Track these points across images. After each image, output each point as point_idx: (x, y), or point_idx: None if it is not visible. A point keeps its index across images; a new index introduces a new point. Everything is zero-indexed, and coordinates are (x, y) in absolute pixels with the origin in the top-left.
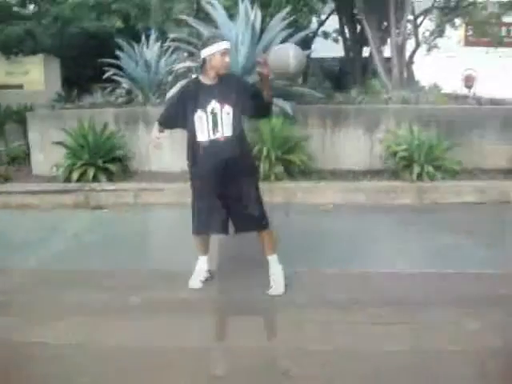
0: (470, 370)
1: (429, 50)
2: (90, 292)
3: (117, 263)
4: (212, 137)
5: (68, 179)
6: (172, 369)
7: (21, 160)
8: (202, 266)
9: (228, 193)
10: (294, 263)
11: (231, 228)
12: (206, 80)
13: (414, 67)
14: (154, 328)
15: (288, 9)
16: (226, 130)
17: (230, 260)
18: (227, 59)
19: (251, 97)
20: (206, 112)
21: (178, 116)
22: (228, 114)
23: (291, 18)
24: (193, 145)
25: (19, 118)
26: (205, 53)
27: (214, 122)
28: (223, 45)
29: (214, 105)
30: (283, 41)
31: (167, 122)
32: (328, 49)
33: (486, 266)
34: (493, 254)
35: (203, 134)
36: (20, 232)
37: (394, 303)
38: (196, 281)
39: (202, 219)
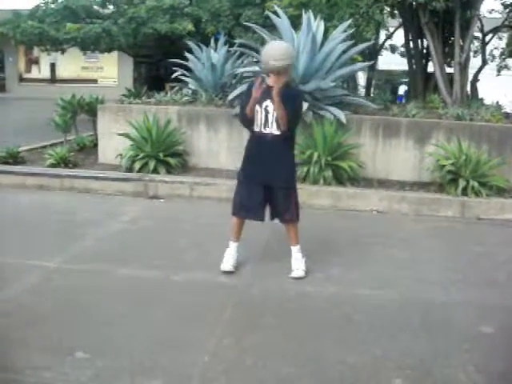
0: None
1: (499, 70)
2: (139, 269)
3: (165, 246)
4: (263, 130)
5: (130, 169)
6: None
7: (89, 149)
8: (232, 252)
9: (269, 184)
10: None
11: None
12: (270, 81)
13: (482, 84)
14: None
15: (350, 21)
16: (274, 129)
17: (258, 247)
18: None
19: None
20: (261, 107)
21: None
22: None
23: (352, 30)
24: (251, 135)
25: (91, 109)
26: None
27: (266, 119)
28: None
29: (268, 103)
30: (343, 52)
31: (244, 119)
32: (397, 62)
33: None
34: None
35: (257, 127)
36: (82, 213)
37: None
38: (227, 264)
39: (242, 203)
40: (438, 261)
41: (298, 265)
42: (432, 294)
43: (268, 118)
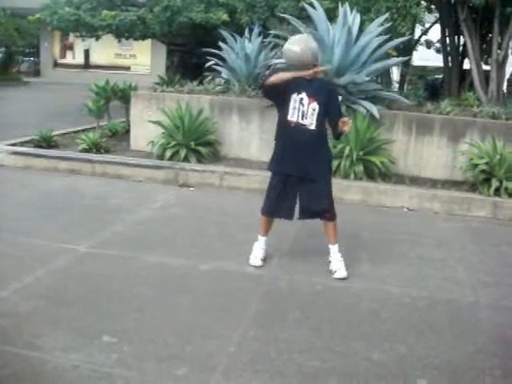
0: None
1: None
2: (167, 256)
3: (194, 235)
4: (300, 121)
5: (161, 156)
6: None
7: (121, 135)
8: (261, 245)
9: (302, 179)
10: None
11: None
12: (302, 73)
13: None
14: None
15: (386, 15)
16: (309, 122)
17: (288, 239)
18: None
19: (334, 112)
20: (297, 98)
21: (281, 91)
22: (314, 110)
23: (388, 25)
24: (284, 124)
25: (124, 96)
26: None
27: (302, 111)
28: None
29: (303, 96)
30: (379, 46)
31: (270, 90)
32: (433, 58)
33: None
34: None
35: (293, 116)
36: (112, 198)
37: None
38: (257, 259)
39: (272, 203)
40: (469, 261)
41: (339, 265)
42: (461, 295)
43: (304, 111)
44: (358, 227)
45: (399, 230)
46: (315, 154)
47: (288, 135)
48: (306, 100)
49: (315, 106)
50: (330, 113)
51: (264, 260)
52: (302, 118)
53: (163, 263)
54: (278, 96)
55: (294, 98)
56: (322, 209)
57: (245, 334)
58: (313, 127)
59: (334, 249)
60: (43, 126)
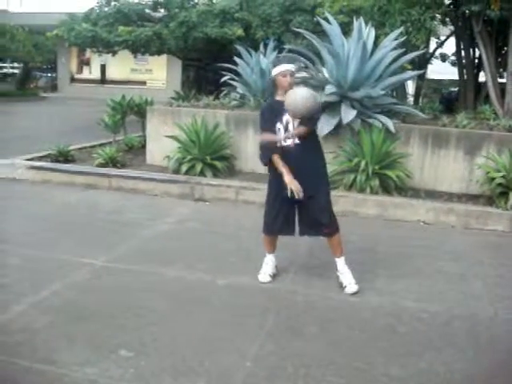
0: None
1: None
2: (183, 270)
3: (210, 249)
4: (283, 143)
5: (177, 171)
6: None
7: (137, 149)
8: (269, 262)
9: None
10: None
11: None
12: (279, 97)
13: None
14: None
15: (401, 29)
16: (296, 138)
17: (301, 252)
18: (288, 80)
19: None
20: (282, 123)
21: (272, 128)
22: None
23: (403, 38)
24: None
25: (140, 111)
26: (273, 73)
27: (286, 131)
28: (285, 67)
29: (287, 117)
30: (394, 60)
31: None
32: (448, 71)
33: None
34: None
35: (281, 141)
36: (129, 213)
37: None
38: (266, 275)
39: (272, 221)
40: (486, 276)
41: (348, 279)
42: (479, 310)
43: (289, 130)
44: (374, 241)
45: (415, 244)
46: (312, 168)
47: (282, 158)
48: (290, 119)
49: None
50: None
51: (273, 276)
52: (286, 139)
53: (180, 277)
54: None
55: (279, 126)
56: (321, 225)
57: (261, 349)
58: (298, 141)
59: (340, 262)
60: (60, 140)
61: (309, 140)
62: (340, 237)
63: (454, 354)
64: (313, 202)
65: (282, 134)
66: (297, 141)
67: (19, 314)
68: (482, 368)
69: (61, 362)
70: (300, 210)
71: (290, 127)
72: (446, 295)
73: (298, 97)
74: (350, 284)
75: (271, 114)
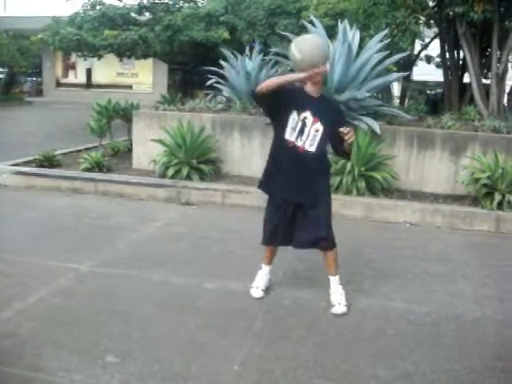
0: None
1: None
2: (170, 275)
3: (197, 253)
4: (296, 142)
5: (163, 175)
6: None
7: (123, 154)
8: (264, 276)
9: (298, 206)
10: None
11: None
12: (309, 90)
13: None
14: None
15: (386, 31)
16: (308, 145)
17: (290, 257)
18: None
19: (339, 134)
20: (299, 116)
21: (279, 101)
22: (317, 131)
23: (388, 41)
24: (280, 142)
25: (125, 115)
26: None
27: (302, 131)
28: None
29: (307, 114)
30: (379, 62)
31: (262, 97)
32: (433, 73)
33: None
34: None
35: (291, 135)
36: (115, 217)
37: None
38: (258, 290)
39: (271, 231)
40: (473, 276)
41: (339, 299)
42: (466, 310)
43: (304, 131)
44: (360, 243)
45: (402, 245)
46: (315, 178)
47: (284, 156)
48: (310, 119)
49: (319, 126)
50: (335, 137)
51: (266, 290)
52: (301, 139)
53: (166, 282)
54: (274, 106)
55: (294, 115)
56: (319, 237)
57: (249, 352)
58: (313, 149)
59: (334, 281)
60: (46, 145)
61: (319, 155)
62: (336, 254)
63: (442, 355)
64: (314, 212)
65: (294, 127)
66: (311, 149)
67: (5, 320)
68: (470, 368)
69: (47, 369)
70: (298, 220)
71: (306, 130)
72: (434, 296)
73: (316, 44)
74: (340, 305)
75: (296, 96)
